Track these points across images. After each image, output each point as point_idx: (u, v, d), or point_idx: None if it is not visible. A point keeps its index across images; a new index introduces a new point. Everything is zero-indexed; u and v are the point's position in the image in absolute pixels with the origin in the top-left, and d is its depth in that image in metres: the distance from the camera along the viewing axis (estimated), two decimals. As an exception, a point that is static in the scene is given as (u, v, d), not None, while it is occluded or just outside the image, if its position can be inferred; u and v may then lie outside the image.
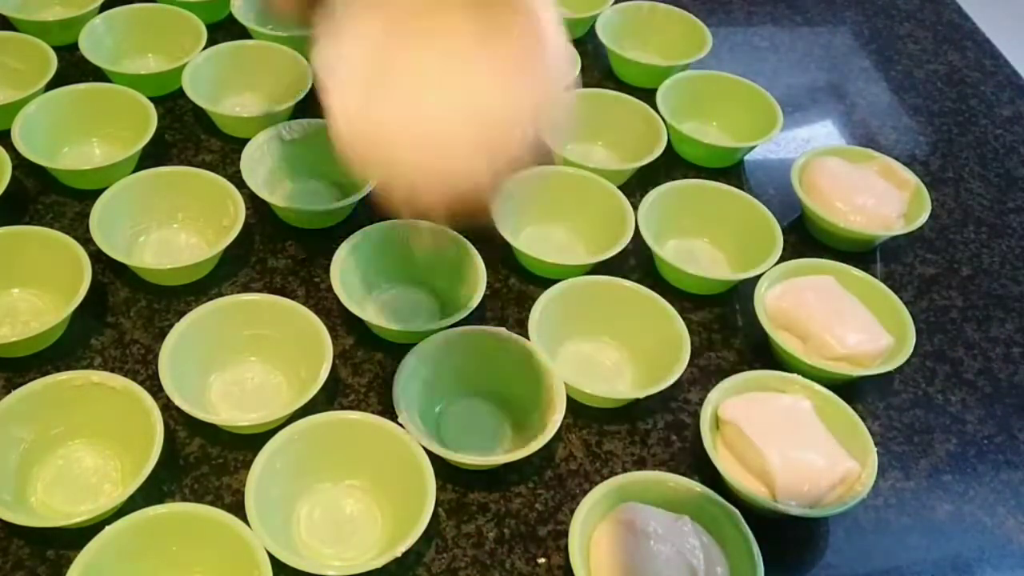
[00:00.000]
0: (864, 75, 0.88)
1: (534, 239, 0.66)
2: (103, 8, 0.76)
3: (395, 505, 0.51)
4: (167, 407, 0.51)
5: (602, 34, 0.80)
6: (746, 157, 0.76)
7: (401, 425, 0.51)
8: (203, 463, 0.53)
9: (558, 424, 0.52)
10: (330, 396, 0.56)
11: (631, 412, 0.58)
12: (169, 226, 0.64)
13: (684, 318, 0.58)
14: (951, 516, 0.56)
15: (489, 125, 0.40)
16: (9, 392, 0.50)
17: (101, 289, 0.61)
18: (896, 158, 0.73)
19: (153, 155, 0.68)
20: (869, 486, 0.52)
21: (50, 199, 0.66)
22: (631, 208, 0.64)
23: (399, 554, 0.46)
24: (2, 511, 0.46)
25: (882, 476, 0.56)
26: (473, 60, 0.40)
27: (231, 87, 0.74)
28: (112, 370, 0.54)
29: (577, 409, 0.57)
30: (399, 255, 0.62)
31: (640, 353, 0.60)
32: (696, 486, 0.51)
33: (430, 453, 0.50)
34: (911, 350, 0.58)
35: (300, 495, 0.51)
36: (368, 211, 0.66)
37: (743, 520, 0.49)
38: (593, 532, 0.49)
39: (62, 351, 0.57)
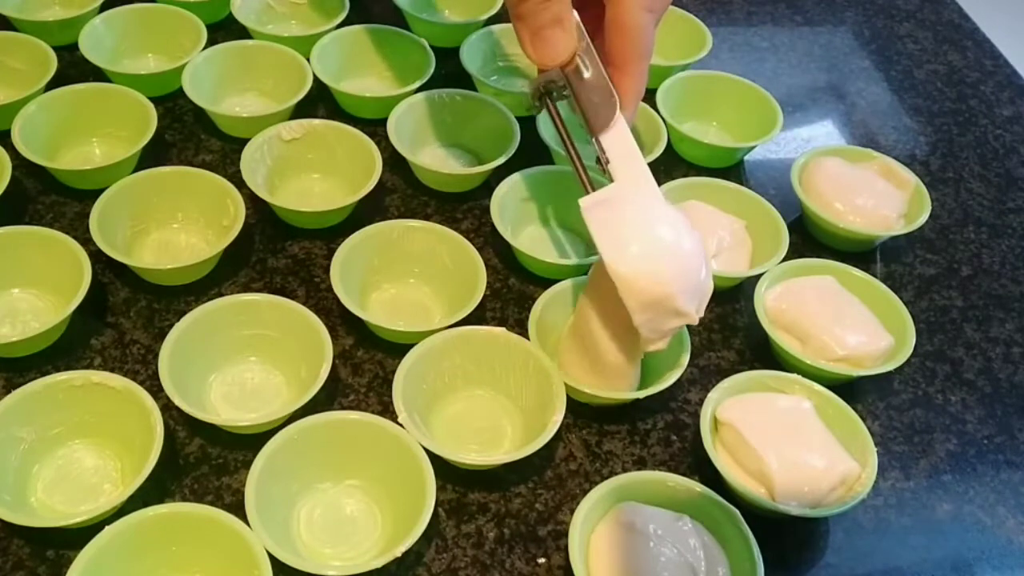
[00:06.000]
0: (864, 75, 0.88)
1: (534, 239, 0.66)
2: (103, 8, 0.76)
3: (395, 505, 0.51)
4: (167, 407, 0.51)
5: (602, 34, 0.80)
6: (746, 157, 0.76)
7: (401, 425, 0.51)
8: (203, 463, 0.53)
9: (558, 424, 0.52)
10: (330, 396, 0.56)
11: (631, 412, 0.58)
12: (169, 226, 0.64)
13: (684, 318, 0.58)
14: (951, 516, 0.56)
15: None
16: (9, 392, 0.50)
17: (101, 289, 0.61)
18: (896, 158, 0.73)
19: (153, 155, 0.68)
20: (869, 486, 0.52)
21: (50, 199, 0.66)
22: (631, 208, 0.64)
23: (399, 554, 0.46)
24: (2, 511, 0.46)
25: (882, 476, 0.56)
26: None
27: (231, 87, 0.74)
28: (112, 370, 0.54)
29: (577, 409, 0.57)
30: (399, 255, 0.62)
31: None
32: (696, 486, 0.51)
33: (430, 453, 0.50)
34: (911, 350, 0.58)
35: (300, 495, 0.51)
36: (368, 211, 0.66)
37: (743, 520, 0.49)
38: (593, 532, 0.49)
39: (62, 351, 0.57)
